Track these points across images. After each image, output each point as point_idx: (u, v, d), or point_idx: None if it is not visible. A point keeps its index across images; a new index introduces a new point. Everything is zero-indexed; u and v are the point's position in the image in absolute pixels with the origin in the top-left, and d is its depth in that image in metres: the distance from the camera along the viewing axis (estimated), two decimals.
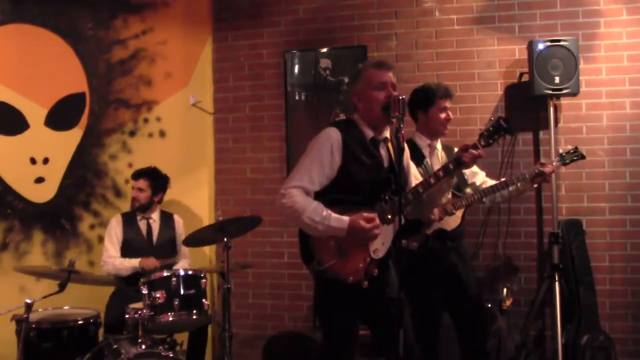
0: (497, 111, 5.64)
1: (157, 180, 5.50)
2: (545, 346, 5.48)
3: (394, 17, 5.93)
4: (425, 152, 4.61)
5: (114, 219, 5.45)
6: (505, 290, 5.31)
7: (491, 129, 3.72)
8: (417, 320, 3.95)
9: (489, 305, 5.06)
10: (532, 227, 5.64)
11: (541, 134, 5.58)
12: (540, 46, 5.23)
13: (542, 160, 4.83)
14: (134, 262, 5.17)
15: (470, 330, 4.60)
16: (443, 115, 4.57)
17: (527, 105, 5.53)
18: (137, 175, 5.47)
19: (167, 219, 5.55)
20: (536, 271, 5.60)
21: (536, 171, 4.54)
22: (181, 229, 5.57)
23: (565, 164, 4.73)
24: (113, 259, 5.25)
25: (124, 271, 5.18)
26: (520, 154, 5.59)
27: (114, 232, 5.36)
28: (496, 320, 5.16)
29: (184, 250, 5.53)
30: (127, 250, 5.33)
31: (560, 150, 4.93)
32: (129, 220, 5.43)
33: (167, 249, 5.45)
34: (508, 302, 5.26)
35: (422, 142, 4.63)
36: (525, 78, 5.47)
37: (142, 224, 5.43)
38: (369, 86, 3.69)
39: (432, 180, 3.68)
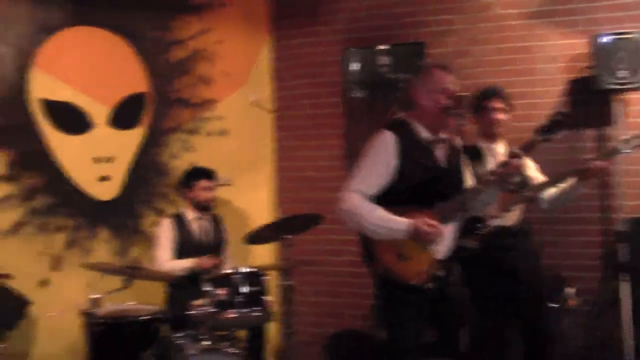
0: (559, 107, 5.53)
1: (215, 176, 5.50)
2: (613, 348, 5.35)
3: (453, 13, 5.87)
4: (485, 153, 4.55)
5: (164, 223, 5.43)
6: (568, 290, 5.20)
7: (550, 123, 3.67)
8: (479, 319, 3.91)
9: (555, 305, 4.97)
10: (595, 226, 5.50)
11: (606, 130, 5.45)
12: (605, 39, 5.11)
13: (594, 155, 4.69)
14: (186, 263, 5.16)
15: (533, 330, 4.54)
16: (493, 116, 4.53)
17: (591, 100, 5.40)
18: (205, 174, 5.44)
19: (216, 220, 5.57)
20: (599, 270, 5.47)
21: (584, 167, 4.38)
22: (227, 230, 5.59)
23: (621, 153, 4.42)
24: (164, 262, 5.24)
25: (178, 273, 5.17)
26: (584, 151, 5.46)
27: (164, 234, 5.35)
28: (560, 320, 5.07)
29: (230, 251, 5.58)
30: (181, 252, 5.34)
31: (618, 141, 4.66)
32: (180, 222, 5.43)
33: (217, 248, 5.48)
34: (572, 302, 5.16)
35: (482, 144, 4.59)
36: (589, 72, 5.33)
37: (196, 225, 5.44)
38: (430, 86, 3.66)
39: (491, 179, 3.66)
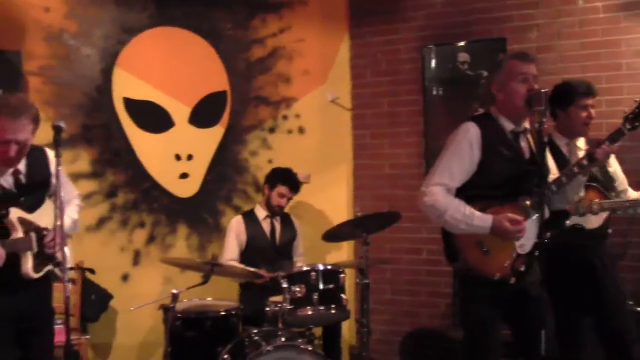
0: None
1: (298, 189, 5.51)
2: None
3: (535, 8, 5.71)
4: (564, 150, 4.42)
5: (234, 220, 5.47)
6: None
7: (637, 110, 3.53)
8: (557, 320, 3.82)
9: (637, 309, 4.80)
10: None
11: None
12: None
13: None
14: (245, 270, 5.09)
15: (612, 333, 4.39)
16: (584, 114, 4.35)
17: None
18: (289, 183, 5.43)
19: (287, 219, 5.57)
20: None
21: None
22: (298, 228, 5.60)
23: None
24: (227, 261, 5.25)
25: (239, 277, 5.19)
26: None
27: (234, 234, 5.39)
28: None
29: (301, 248, 5.60)
30: (250, 250, 5.38)
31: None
32: (251, 220, 5.45)
33: (288, 248, 5.51)
34: None
35: (560, 140, 4.43)
36: None
37: (266, 224, 5.45)
38: (509, 78, 3.59)
39: (576, 170, 3.58)
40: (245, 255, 5.37)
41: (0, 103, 3.38)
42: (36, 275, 3.50)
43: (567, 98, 4.37)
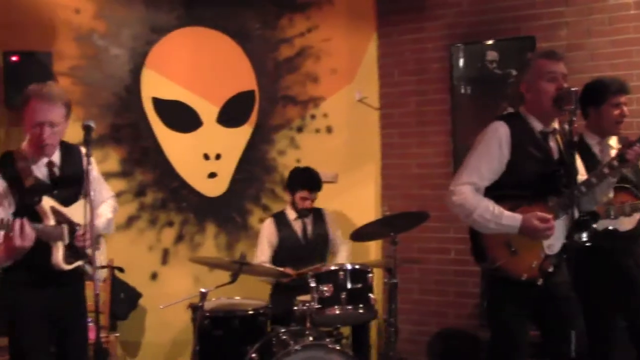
0: None
1: (319, 188, 5.47)
2: None
3: (564, 5, 5.65)
4: (595, 150, 4.37)
5: (265, 223, 5.47)
6: None
7: None
8: (588, 321, 3.77)
9: None
10: None
11: None
12: None
13: None
14: (274, 270, 5.10)
15: None
16: (617, 112, 4.28)
17: None
18: (316, 186, 5.40)
19: (318, 215, 5.55)
20: None
21: None
22: (332, 220, 5.56)
23: None
24: (262, 263, 5.26)
25: (266, 276, 5.19)
26: None
27: (266, 236, 5.39)
28: None
29: (340, 237, 5.54)
30: (282, 251, 5.38)
31: None
32: (282, 222, 5.44)
33: (320, 244, 5.49)
34: None
35: (591, 140, 4.37)
36: None
37: (297, 224, 5.44)
38: (538, 77, 3.56)
39: (606, 171, 3.54)
40: (278, 256, 5.38)
41: (33, 89, 3.51)
42: (66, 267, 3.54)
43: (599, 96, 4.31)
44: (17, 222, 3.24)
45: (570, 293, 3.55)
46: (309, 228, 5.46)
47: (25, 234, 3.25)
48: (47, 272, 3.53)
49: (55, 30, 5.19)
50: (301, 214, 5.42)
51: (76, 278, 3.65)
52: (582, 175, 3.75)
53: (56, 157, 3.66)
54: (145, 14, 5.51)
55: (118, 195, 5.20)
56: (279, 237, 5.39)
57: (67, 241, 3.56)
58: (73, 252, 3.58)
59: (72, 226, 3.58)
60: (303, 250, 5.36)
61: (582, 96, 4.34)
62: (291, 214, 5.45)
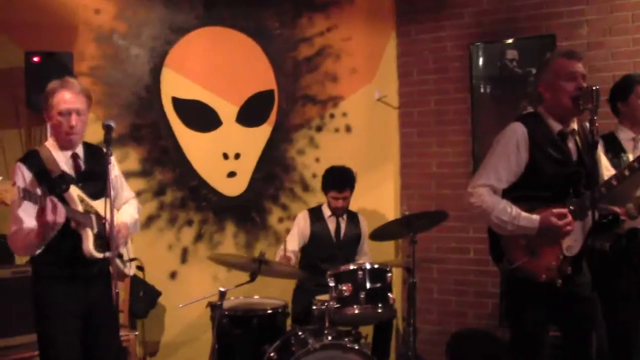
0: None
1: (347, 187, 5.45)
2: None
3: (585, 3, 5.61)
4: (628, 145, 4.31)
5: (301, 215, 5.52)
6: None
7: None
8: (610, 323, 3.74)
9: None
10: None
11: None
12: None
13: None
14: (293, 269, 5.11)
15: None
16: None
17: None
18: (342, 185, 5.37)
19: (353, 217, 5.56)
20: None
21: None
22: (365, 228, 5.56)
23: None
24: (289, 253, 5.24)
25: (285, 276, 5.14)
26: None
27: (298, 228, 5.43)
28: None
29: (366, 248, 5.57)
30: (312, 245, 5.41)
31: None
32: (316, 217, 5.47)
33: (351, 245, 5.49)
34: None
35: (625, 135, 4.34)
36: None
37: (331, 221, 5.45)
38: (557, 76, 3.53)
39: (626, 173, 3.48)
40: (307, 250, 5.41)
41: (57, 82, 3.66)
42: (97, 255, 3.57)
43: (626, 88, 4.33)
44: (49, 197, 3.30)
45: (592, 294, 3.52)
46: (343, 228, 5.46)
47: (58, 210, 3.30)
48: (77, 265, 3.57)
49: (75, 31, 5.22)
50: (335, 212, 5.42)
51: (105, 275, 3.65)
52: (608, 170, 3.71)
53: (80, 151, 3.73)
54: (165, 14, 5.53)
55: (138, 194, 5.22)
56: (312, 231, 5.41)
57: (95, 229, 3.60)
58: (102, 242, 3.61)
59: (100, 217, 3.62)
60: (332, 248, 5.37)
61: (610, 96, 4.34)
62: (327, 211, 5.47)
